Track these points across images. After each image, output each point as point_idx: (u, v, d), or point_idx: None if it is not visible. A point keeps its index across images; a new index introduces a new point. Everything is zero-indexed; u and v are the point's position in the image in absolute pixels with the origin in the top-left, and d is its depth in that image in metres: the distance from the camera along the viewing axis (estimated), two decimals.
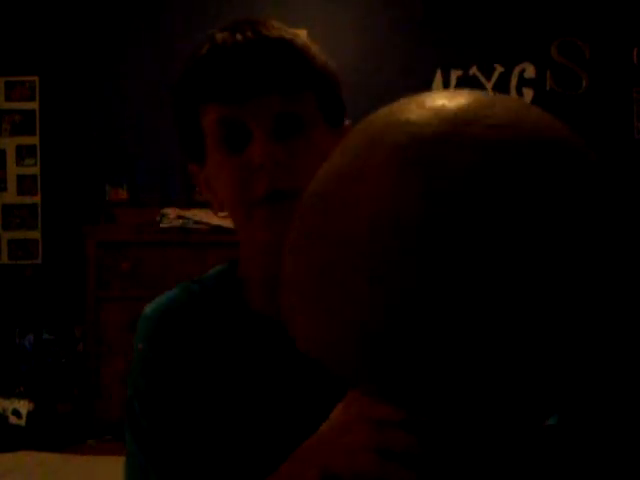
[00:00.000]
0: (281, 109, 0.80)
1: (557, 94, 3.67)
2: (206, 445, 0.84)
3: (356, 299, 0.56)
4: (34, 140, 3.83)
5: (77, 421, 3.37)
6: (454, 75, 3.72)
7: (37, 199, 3.83)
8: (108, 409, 3.30)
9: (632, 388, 0.68)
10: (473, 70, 3.72)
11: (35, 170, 3.83)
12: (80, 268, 3.43)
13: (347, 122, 0.90)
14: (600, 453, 0.70)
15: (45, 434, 3.27)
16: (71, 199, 3.79)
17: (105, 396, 3.32)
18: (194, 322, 0.88)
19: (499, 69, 3.71)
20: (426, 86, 3.58)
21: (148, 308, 0.91)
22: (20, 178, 3.83)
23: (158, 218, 3.38)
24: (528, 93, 3.69)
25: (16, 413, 3.31)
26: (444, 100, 0.59)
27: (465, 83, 3.68)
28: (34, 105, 3.82)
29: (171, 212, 3.39)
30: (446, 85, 3.72)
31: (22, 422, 3.29)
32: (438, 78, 3.71)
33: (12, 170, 3.83)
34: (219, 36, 0.82)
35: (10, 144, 3.83)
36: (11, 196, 3.84)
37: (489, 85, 3.71)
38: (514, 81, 3.71)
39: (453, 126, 0.56)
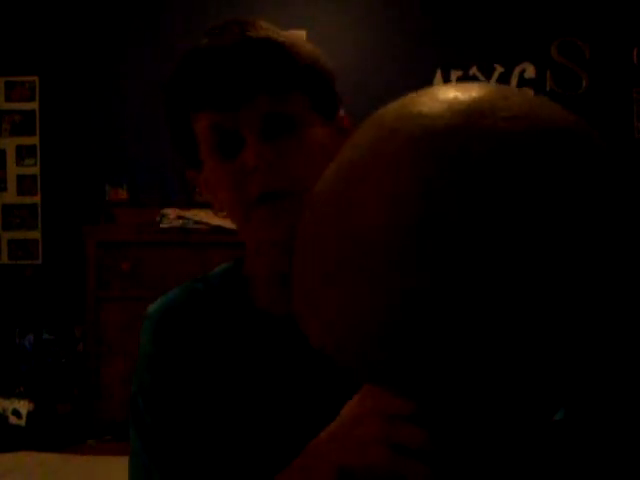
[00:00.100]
0: (269, 109, 0.79)
1: (557, 94, 3.67)
2: (212, 442, 0.84)
3: (371, 289, 0.56)
4: (34, 140, 3.83)
5: (77, 421, 3.37)
6: (454, 75, 3.71)
7: (37, 199, 3.83)
8: (108, 409, 3.30)
9: (639, 383, 0.68)
10: (473, 70, 3.71)
11: (35, 170, 3.83)
12: (80, 268, 3.43)
13: (341, 112, 0.89)
14: (607, 448, 0.70)
15: (45, 434, 3.27)
16: (71, 199, 3.79)
17: (105, 396, 3.32)
18: (199, 320, 0.89)
19: (499, 69, 3.71)
20: (426, 86, 3.57)
21: (153, 306, 0.91)
22: (20, 178, 3.83)
23: (158, 218, 3.38)
24: (528, 93, 3.69)
25: (16, 413, 3.31)
26: (457, 92, 0.59)
27: None
28: (34, 105, 3.82)
29: (171, 212, 3.39)
30: None
31: (22, 422, 3.29)
32: (438, 78, 3.71)
33: (12, 170, 3.83)
34: (204, 42, 0.82)
35: (10, 144, 3.83)
36: (11, 196, 3.84)
37: None
38: (514, 81, 3.71)
39: (466, 118, 0.56)
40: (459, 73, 3.71)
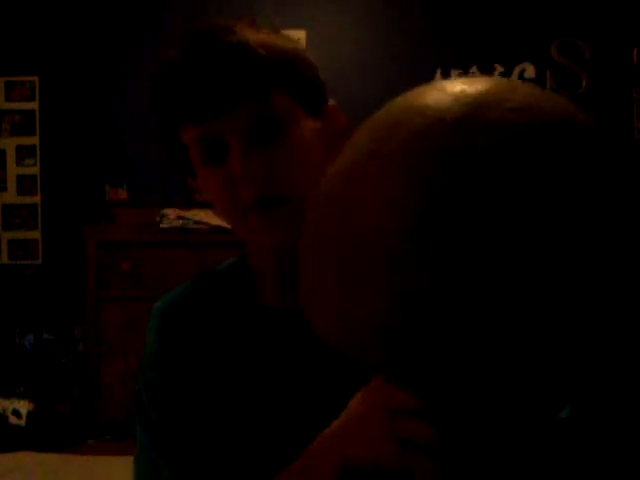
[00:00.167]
0: (252, 114, 0.78)
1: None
2: (219, 436, 0.84)
3: (372, 290, 0.56)
4: (34, 140, 3.83)
5: (77, 421, 3.37)
6: (454, 75, 3.71)
7: (37, 199, 3.83)
8: (108, 409, 3.30)
9: None
10: (473, 70, 3.72)
11: (35, 170, 3.83)
12: (80, 268, 3.43)
13: (331, 102, 0.88)
14: (613, 446, 0.70)
15: (45, 434, 3.27)
16: (71, 199, 3.79)
17: (105, 396, 3.32)
18: (204, 315, 0.89)
19: (499, 69, 3.71)
20: None
21: (158, 304, 0.92)
22: (20, 178, 3.83)
23: (158, 218, 3.38)
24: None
25: (16, 413, 3.31)
26: (464, 85, 0.59)
27: None
28: (34, 105, 3.83)
29: (171, 212, 3.39)
30: None
31: (22, 422, 3.29)
32: (438, 78, 3.71)
33: (12, 170, 3.84)
34: (176, 55, 0.81)
35: (10, 144, 3.83)
36: (11, 196, 3.84)
37: None
38: None
39: (474, 110, 0.56)
40: (459, 73, 3.71)
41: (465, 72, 3.71)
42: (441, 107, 0.57)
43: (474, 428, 0.60)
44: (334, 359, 0.67)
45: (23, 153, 3.84)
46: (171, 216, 3.37)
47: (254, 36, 0.80)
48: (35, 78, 3.82)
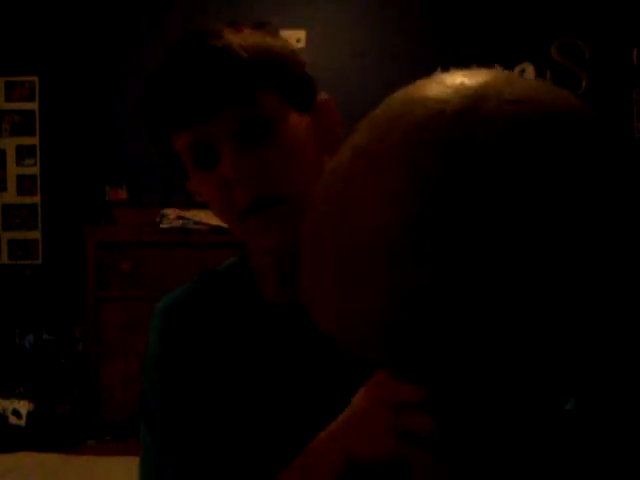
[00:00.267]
0: (240, 117, 0.78)
1: None
2: (224, 434, 0.84)
3: (372, 286, 0.56)
4: (34, 140, 3.83)
5: (77, 421, 3.37)
6: None
7: (37, 199, 3.83)
8: (108, 409, 3.30)
9: None
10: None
11: (35, 170, 3.83)
12: (80, 268, 3.43)
13: (322, 95, 0.88)
14: (618, 438, 0.70)
15: (45, 434, 3.27)
16: (71, 199, 3.79)
17: (105, 396, 3.32)
18: (206, 314, 0.89)
19: (499, 69, 3.71)
20: None
21: (160, 304, 0.92)
22: (20, 178, 3.83)
23: (158, 218, 3.38)
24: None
25: (16, 413, 3.31)
26: (464, 78, 0.59)
27: None
28: (34, 105, 3.82)
29: (171, 212, 3.39)
30: None
31: (22, 422, 3.29)
32: None
33: (12, 170, 3.83)
34: (162, 64, 0.81)
35: (10, 144, 3.83)
36: (11, 196, 3.84)
37: None
38: None
39: (474, 102, 0.56)
40: None
41: None
42: (441, 99, 0.57)
43: (475, 421, 0.60)
44: (338, 354, 0.67)
45: (23, 153, 3.84)
46: (171, 216, 3.37)
47: (239, 39, 0.79)
48: (35, 78, 3.82)
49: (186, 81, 0.78)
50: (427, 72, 0.67)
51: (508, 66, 3.70)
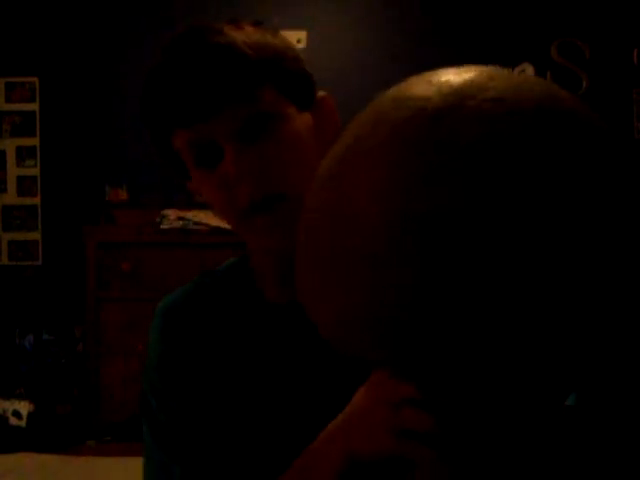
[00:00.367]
0: (241, 114, 0.78)
1: None
2: (225, 435, 0.84)
3: (364, 283, 0.56)
4: (34, 141, 3.83)
5: (77, 422, 3.37)
6: None
7: (37, 200, 3.83)
8: (108, 410, 3.30)
9: None
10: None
11: (35, 171, 3.83)
12: (80, 269, 3.43)
13: (321, 93, 0.88)
14: (620, 434, 0.70)
15: (45, 435, 3.27)
16: (71, 200, 3.79)
17: (105, 397, 3.32)
18: (207, 314, 0.89)
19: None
20: None
21: (161, 304, 0.92)
22: (20, 179, 3.84)
23: (158, 219, 3.38)
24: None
25: (16, 414, 3.31)
26: (451, 76, 0.59)
27: None
28: (34, 106, 3.83)
29: (171, 213, 3.40)
30: None
31: (22, 423, 3.29)
32: None
33: (12, 171, 3.84)
34: (162, 60, 0.80)
35: (10, 145, 3.83)
36: (11, 197, 3.84)
37: None
38: None
39: (454, 100, 0.56)
40: None
41: None
42: (424, 97, 0.57)
43: (474, 417, 0.60)
44: (338, 353, 0.67)
45: (23, 154, 3.84)
46: (171, 217, 3.37)
47: (242, 36, 0.79)
48: (35, 79, 3.82)
49: (189, 78, 0.77)
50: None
51: (508, 66, 3.70)
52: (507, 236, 0.52)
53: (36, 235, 3.83)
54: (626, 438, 0.70)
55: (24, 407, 3.32)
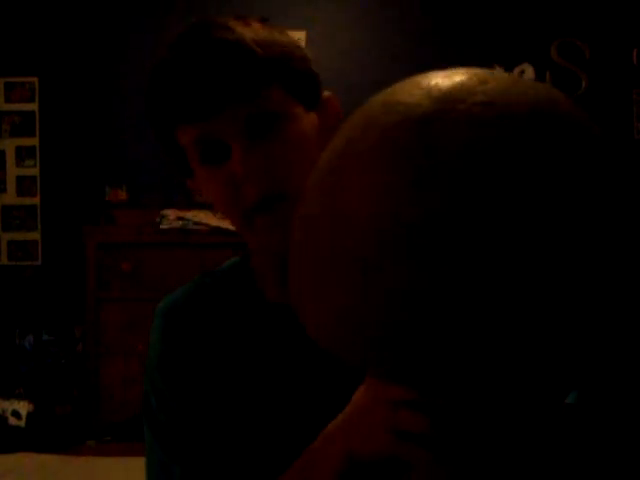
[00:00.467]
0: (247, 112, 0.77)
1: None
2: (226, 435, 0.84)
3: (355, 285, 0.56)
4: (34, 141, 3.83)
5: (77, 422, 3.37)
6: None
7: (37, 200, 3.83)
8: (108, 410, 3.30)
9: None
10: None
11: (35, 171, 3.83)
12: (80, 269, 3.43)
13: (326, 93, 0.88)
14: (621, 431, 0.70)
15: (45, 435, 3.27)
16: (71, 200, 3.79)
17: (105, 397, 3.32)
18: (208, 314, 0.89)
19: (498, 70, 3.71)
20: None
21: (161, 304, 0.92)
22: (20, 179, 3.83)
23: (158, 219, 3.38)
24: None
25: (16, 414, 3.31)
26: (439, 79, 0.59)
27: None
28: (34, 106, 3.83)
29: (171, 213, 3.39)
30: None
31: (22, 423, 3.29)
32: None
33: (12, 171, 3.83)
34: (169, 55, 0.79)
35: (10, 145, 3.83)
36: (11, 197, 3.84)
37: None
38: None
39: (443, 105, 0.56)
40: None
41: None
42: (412, 102, 0.57)
43: (471, 418, 0.60)
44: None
45: (23, 154, 3.84)
46: (171, 217, 3.37)
47: (251, 33, 0.79)
48: (35, 79, 3.82)
49: (196, 74, 0.76)
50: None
51: (508, 67, 3.70)
52: (497, 239, 0.52)
53: (36, 235, 3.83)
54: (626, 438, 0.70)
55: (23, 407, 3.32)
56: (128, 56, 3.76)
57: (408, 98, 0.58)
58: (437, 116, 0.55)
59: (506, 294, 0.52)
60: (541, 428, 0.64)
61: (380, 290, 0.54)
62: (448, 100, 0.56)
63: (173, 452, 0.85)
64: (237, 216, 0.82)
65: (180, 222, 3.35)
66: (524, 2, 3.72)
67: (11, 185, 3.83)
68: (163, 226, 3.35)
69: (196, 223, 3.32)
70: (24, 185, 3.83)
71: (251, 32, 0.79)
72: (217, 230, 3.18)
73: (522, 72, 3.72)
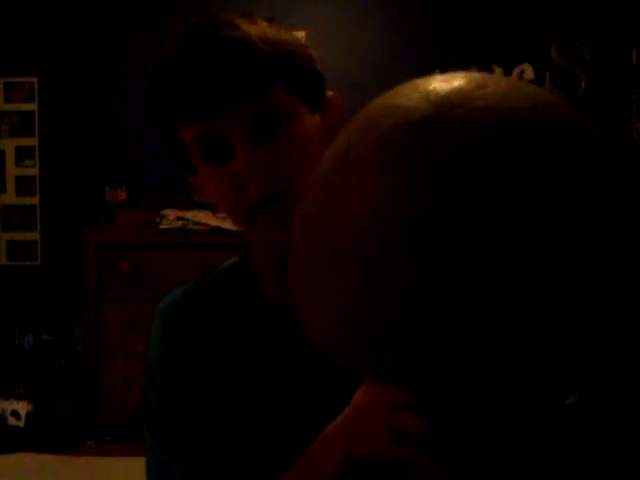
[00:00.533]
0: (252, 111, 0.77)
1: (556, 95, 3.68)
2: (227, 435, 0.84)
3: (355, 286, 0.56)
4: (33, 141, 3.83)
5: (76, 422, 3.37)
6: None
7: (36, 200, 3.83)
8: (107, 410, 3.30)
9: None
10: (472, 71, 3.72)
11: (34, 171, 3.83)
12: (79, 269, 3.43)
13: (330, 93, 0.87)
14: (621, 432, 0.70)
15: (44, 435, 3.27)
16: (70, 200, 3.79)
17: (104, 397, 3.32)
18: (208, 314, 0.89)
19: (498, 70, 3.71)
20: None
21: (161, 304, 0.92)
22: (19, 179, 3.84)
23: (158, 219, 3.38)
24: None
25: (15, 414, 3.31)
26: (438, 83, 0.59)
27: None
28: (33, 106, 3.83)
29: (171, 213, 3.40)
30: None
31: (21, 423, 3.29)
32: None
33: (11, 171, 3.84)
34: (174, 52, 0.79)
35: (9, 145, 3.83)
36: (10, 197, 3.84)
37: None
38: None
39: (441, 109, 0.56)
40: None
41: None
42: (411, 106, 0.57)
43: (470, 420, 0.60)
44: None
45: (22, 154, 3.84)
46: (171, 217, 3.37)
47: (257, 31, 0.78)
48: (34, 79, 3.82)
49: (202, 72, 0.76)
50: (427, 72, 0.67)
51: (507, 67, 3.71)
52: (496, 240, 0.52)
53: (35, 235, 3.83)
54: (626, 438, 0.70)
55: (23, 407, 3.32)
56: (128, 56, 3.76)
57: (407, 102, 0.58)
58: (435, 120, 0.55)
59: (506, 295, 0.52)
60: (541, 429, 0.64)
61: (380, 290, 0.54)
62: (446, 104, 0.56)
63: (173, 452, 0.85)
64: (239, 215, 0.82)
65: (180, 222, 3.35)
66: (524, 2, 3.72)
67: (10, 185, 3.84)
68: (163, 226, 3.35)
69: (196, 223, 3.32)
70: (24, 185, 3.83)
71: (257, 30, 0.78)
72: (217, 230, 3.18)
73: (522, 72, 3.72)
